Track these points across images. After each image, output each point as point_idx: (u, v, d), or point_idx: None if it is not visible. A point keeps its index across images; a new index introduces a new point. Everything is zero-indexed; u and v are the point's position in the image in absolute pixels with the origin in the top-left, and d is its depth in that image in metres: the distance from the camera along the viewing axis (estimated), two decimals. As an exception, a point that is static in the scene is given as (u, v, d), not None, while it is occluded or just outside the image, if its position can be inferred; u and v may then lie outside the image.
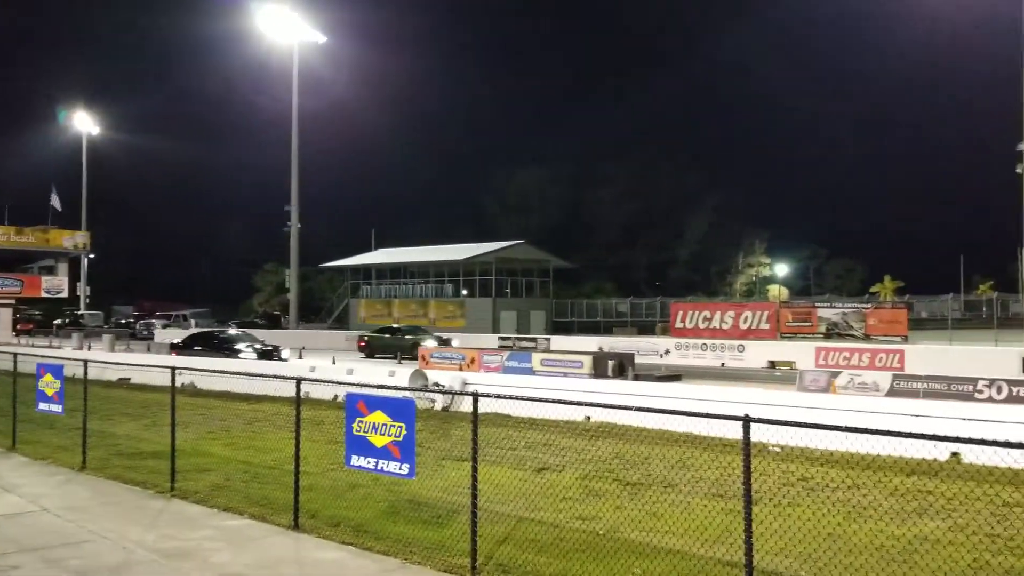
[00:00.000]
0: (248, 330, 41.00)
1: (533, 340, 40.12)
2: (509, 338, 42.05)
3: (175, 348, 33.86)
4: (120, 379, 26.26)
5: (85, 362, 14.23)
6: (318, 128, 75.76)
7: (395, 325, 44.94)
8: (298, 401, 9.85)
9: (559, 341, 39.55)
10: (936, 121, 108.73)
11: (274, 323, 61.77)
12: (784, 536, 8.17)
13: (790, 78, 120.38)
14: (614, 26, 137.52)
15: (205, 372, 18.42)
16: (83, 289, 70.55)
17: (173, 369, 12.26)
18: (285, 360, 30.01)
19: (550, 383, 20.47)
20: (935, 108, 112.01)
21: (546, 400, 8.58)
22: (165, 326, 61.74)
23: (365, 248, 69.90)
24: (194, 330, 43.74)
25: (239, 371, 18.92)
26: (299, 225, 54.72)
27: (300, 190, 54.77)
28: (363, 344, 39.88)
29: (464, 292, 56.13)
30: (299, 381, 10.02)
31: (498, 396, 9.21)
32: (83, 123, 73.72)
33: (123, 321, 74.18)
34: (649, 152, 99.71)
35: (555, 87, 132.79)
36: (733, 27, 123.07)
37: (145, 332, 59.24)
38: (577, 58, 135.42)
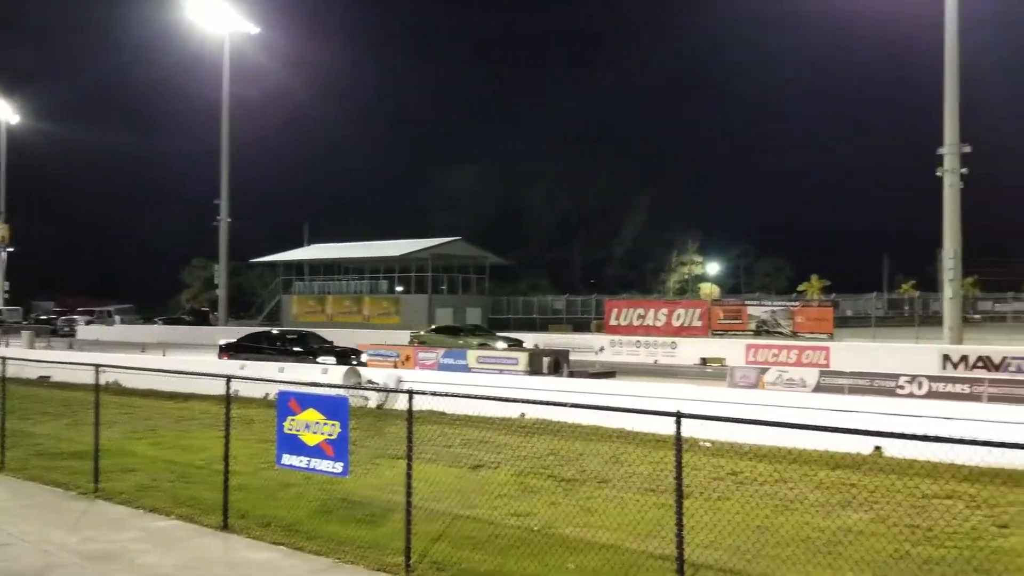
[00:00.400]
0: (313, 329, 34.99)
1: (469, 337, 40.05)
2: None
3: (226, 351, 28.49)
4: (40, 377, 25.36)
5: (3, 359, 13.75)
6: (250, 121, 74.21)
7: (454, 324, 39.54)
8: (228, 399, 9.66)
9: (494, 338, 39.54)
10: (862, 123, 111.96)
11: (202, 320, 60.50)
12: (714, 529, 8.32)
13: (721, 79, 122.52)
14: (549, 21, 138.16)
15: (130, 369, 17.95)
16: (1, 284, 68.01)
17: (97, 366, 11.93)
18: (364, 365, 25.82)
19: (486, 380, 20.50)
20: (862, 110, 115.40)
21: (481, 397, 8.60)
22: (88, 322, 60.00)
23: (297, 243, 68.93)
24: (255, 329, 35.81)
25: (167, 369, 18.49)
26: (229, 219, 53.69)
27: (231, 184, 53.75)
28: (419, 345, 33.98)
29: (400, 289, 55.78)
30: (229, 379, 9.83)
31: (433, 393, 9.19)
32: (2, 111, 71.00)
33: (44, 317, 71.72)
34: (584, 150, 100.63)
35: (490, 81, 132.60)
36: (669, 27, 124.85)
37: (67, 328, 57.47)
38: (511, 53, 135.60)
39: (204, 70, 56.85)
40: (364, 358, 27.28)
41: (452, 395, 9.11)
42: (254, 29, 51.67)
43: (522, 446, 13.07)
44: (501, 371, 24.93)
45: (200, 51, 53.99)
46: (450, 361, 27.13)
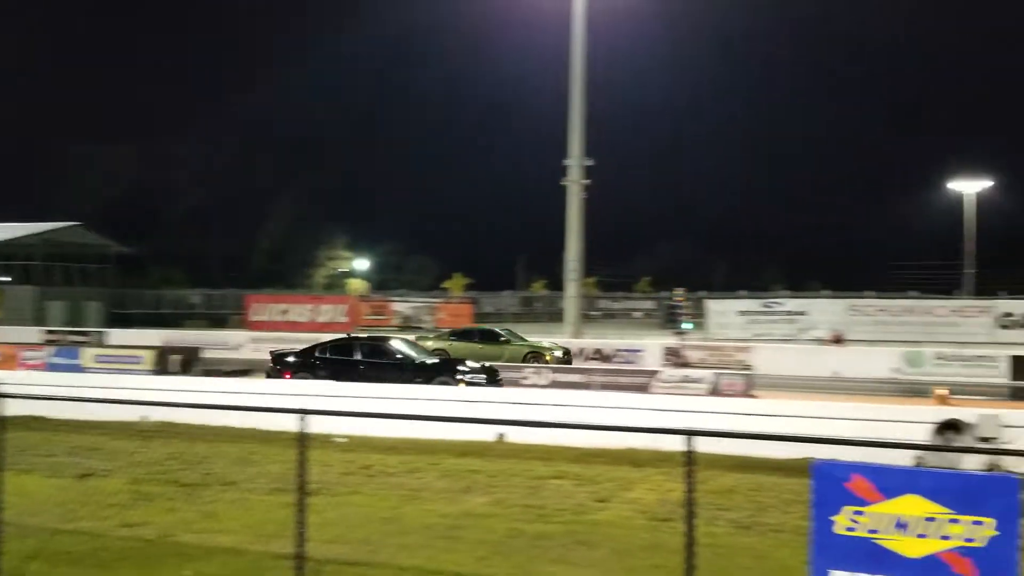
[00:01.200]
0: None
1: (86, 334, 36.48)
2: (57, 332, 37.74)
3: (288, 367, 19.95)
4: None
5: None
6: None
7: (489, 328, 31.13)
8: None
9: (118, 335, 36.41)
10: (505, 133, 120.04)
11: None
12: (342, 524, 8.30)
13: (380, 80, 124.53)
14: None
15: None
16: None
17: None
18: (500, 383, 19.94)
19: (104, 381, 18.70)
20: (509, 121, 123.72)
21: (91, 400, 7.81)
22: None
23: None
24: (334, 336, 23.47)
25: None
26: None
27: None
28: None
29: (4, 279, 49.10)
30: None
31: (28, 396, 8.12)
32: None
33: None
34: (230, 136, 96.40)
35: (122, 48, 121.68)
36: (331, 26, 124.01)
37: None
38: (156, 28, 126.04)
39: None
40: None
41: (53, 398, 8.13)
42: None
43: (140, 451, 12.04)
44: (123, 371, 22.93)
45: None
46: (62, 360, 24.39)
